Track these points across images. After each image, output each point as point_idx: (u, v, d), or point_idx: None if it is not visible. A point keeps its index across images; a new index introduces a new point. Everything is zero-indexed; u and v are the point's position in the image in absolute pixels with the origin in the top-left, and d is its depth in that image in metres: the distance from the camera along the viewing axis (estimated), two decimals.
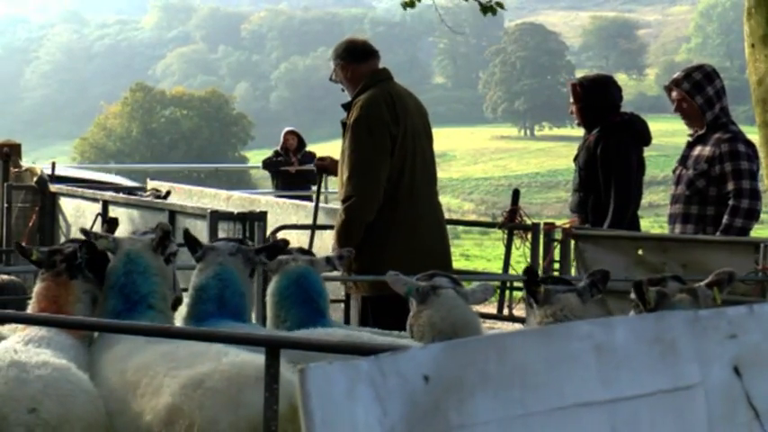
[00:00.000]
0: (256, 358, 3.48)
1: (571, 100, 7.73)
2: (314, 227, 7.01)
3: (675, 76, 7.30)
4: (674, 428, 1.93)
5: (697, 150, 7.10)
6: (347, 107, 6.37)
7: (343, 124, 6.35)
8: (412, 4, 13.57)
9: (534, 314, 4.21)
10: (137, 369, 3.77)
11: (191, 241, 4.62)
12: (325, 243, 7.21)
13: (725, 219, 6.86)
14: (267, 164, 15.69)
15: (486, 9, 13.44)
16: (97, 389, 3.74)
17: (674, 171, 7.39)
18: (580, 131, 7.93)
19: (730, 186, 6.89)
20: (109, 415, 3.69)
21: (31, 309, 4.25)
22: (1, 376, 3.44)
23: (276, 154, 15.49)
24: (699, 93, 7.08)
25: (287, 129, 15.91)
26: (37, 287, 4.28)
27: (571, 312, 4.12)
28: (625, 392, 1.90)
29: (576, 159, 7.75)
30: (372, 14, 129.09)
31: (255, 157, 43.09)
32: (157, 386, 3.64)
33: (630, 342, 1.93)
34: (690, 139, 7.28)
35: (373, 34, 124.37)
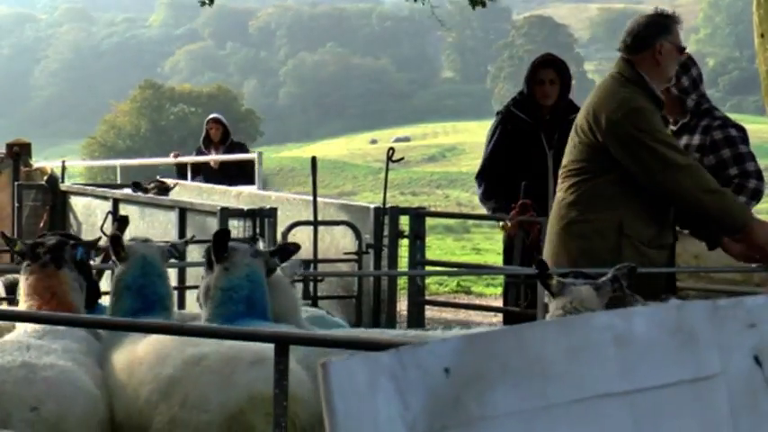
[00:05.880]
0: (259, 345, 3.64)
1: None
2: (315, 222, 7.03)
3: None
4: (695, 419, 1.92)
5: (684, 140, 6.99)
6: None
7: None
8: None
9: (551, 306, 4.26)
10: (147, 344, 3.97)
11: (219, 243, 4.49)
12: (336, 238, 7.20)
13: None
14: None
15: (475, 2, 13.36)
16: (105, 373, 4.01)
17: None
18: None
19: (733, 171, 6.79)
20: (110, 393, 3.93)
21: (26, 303, 4.30)
22: (11, 376, 3.69)
23: (198, 149, 13.24)
24: (673, 83, 7.07)
25: (211, 116, 13.62)
26: (27, 280, 4.36)
27: (581, 304, 4.15)
28: (646, 383, 1.88)
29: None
30: (380, 9, 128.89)
31: (264, 153, 42.96)
32: (164, 356, 3.87)
33: (650, 332, 1.92)
34: (673, 128, 7.21)
35: (381, 29, 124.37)
